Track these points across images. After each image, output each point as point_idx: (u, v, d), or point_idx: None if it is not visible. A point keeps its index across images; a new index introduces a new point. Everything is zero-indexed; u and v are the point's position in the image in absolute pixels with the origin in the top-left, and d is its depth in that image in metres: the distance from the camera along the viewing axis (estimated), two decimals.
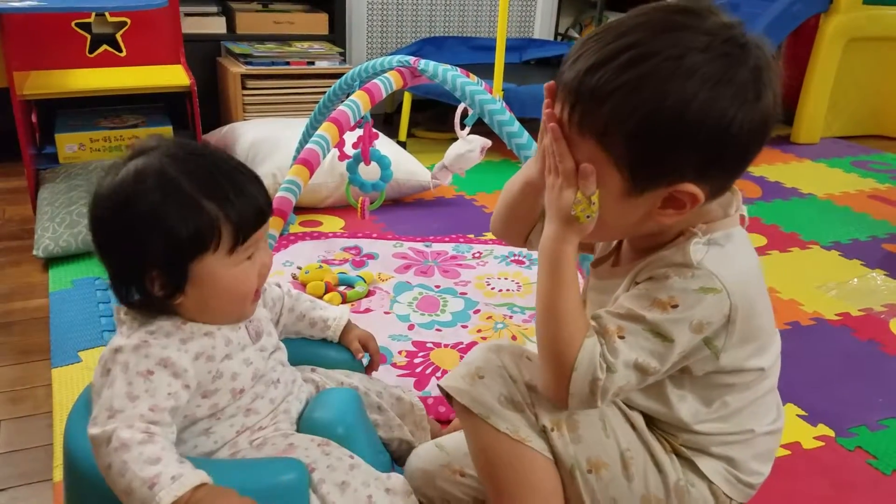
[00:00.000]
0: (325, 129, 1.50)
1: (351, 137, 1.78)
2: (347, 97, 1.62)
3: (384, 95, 1.60)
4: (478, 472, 0.95)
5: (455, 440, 1.10)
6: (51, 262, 1.90)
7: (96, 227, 0.90)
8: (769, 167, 2.96)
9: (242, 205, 0.89)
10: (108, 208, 0.88)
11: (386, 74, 1.63)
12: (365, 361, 1.21)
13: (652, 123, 0.75)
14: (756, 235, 2.26)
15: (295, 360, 1.10)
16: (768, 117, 0.79)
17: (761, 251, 2.16)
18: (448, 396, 0.94)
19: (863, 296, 1.90)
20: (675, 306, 0.80)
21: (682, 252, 0.83)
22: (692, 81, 0.74)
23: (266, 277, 0.98)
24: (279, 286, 1.13)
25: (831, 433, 1.36)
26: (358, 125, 1.62)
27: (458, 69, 1.65)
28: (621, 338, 0.81)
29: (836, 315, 1.80)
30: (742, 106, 0.76)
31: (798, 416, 1.40)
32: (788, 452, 1.30)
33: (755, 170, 2.91)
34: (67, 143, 2.47)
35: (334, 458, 0.93)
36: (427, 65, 1.64)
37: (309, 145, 1.47)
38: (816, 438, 1.34)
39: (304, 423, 1.01)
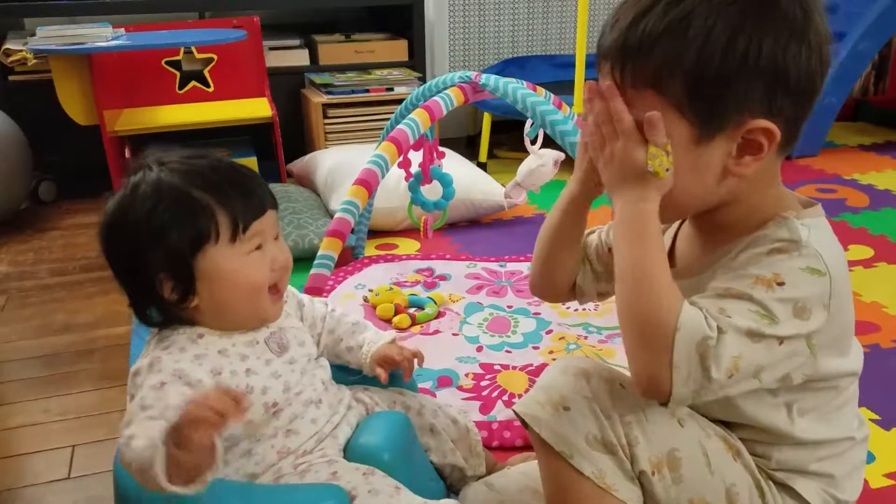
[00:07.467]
0: (384, 149, 1.49)
1: (418, 157, 1.77)
2: None
3: (444, 112, 1.57)
4: None
5: (506, 478, 1.05)
6: None
7: (104, 247, 0.91)
8: (878, 174, 2.75)
9: (238, 194, 0.90)
10: (110, 225, 0.90)
11: (446, 91, 1.60)
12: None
13: (705, 56, 0.71)
14: (862, 247, 2.11)
15: (348, 379, 1.07)
16: (822, 40, 0.75)
17: (867, 263, 2.00)
18: (525, 423, 0.85)
19: None
20: (780, 284, 0.73)
21: (788, 228, 0.76)
22: (735, 13, 0.71)
23: (283, 274, 0.95)
24: (326, 304, 1.10)
25: None
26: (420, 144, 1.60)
27: (524, 83, 1.61)
28: (726, 316, 0.72)
29: None
30: (792, 31, 0.72)
31: None
32: (892, 482, 1.17)
33: (862, 178, 2.72)
34: None
35: (377, 485, 0.89)
36: (488, 79, 1.60)
37: (367, 165, 1.45)
38: None
39: (350, 449, 0.97)
